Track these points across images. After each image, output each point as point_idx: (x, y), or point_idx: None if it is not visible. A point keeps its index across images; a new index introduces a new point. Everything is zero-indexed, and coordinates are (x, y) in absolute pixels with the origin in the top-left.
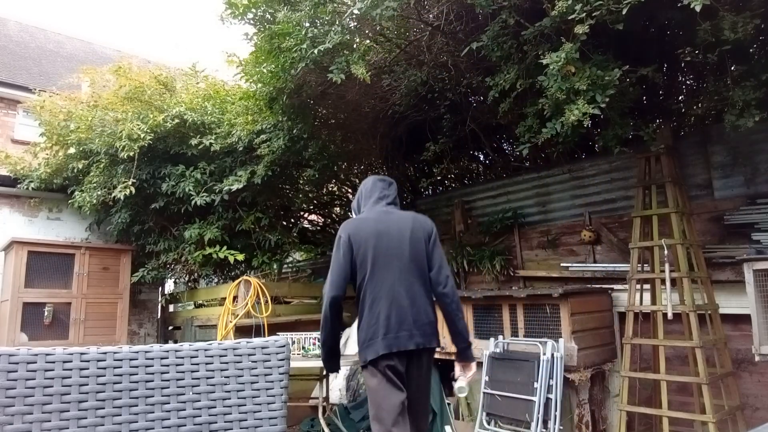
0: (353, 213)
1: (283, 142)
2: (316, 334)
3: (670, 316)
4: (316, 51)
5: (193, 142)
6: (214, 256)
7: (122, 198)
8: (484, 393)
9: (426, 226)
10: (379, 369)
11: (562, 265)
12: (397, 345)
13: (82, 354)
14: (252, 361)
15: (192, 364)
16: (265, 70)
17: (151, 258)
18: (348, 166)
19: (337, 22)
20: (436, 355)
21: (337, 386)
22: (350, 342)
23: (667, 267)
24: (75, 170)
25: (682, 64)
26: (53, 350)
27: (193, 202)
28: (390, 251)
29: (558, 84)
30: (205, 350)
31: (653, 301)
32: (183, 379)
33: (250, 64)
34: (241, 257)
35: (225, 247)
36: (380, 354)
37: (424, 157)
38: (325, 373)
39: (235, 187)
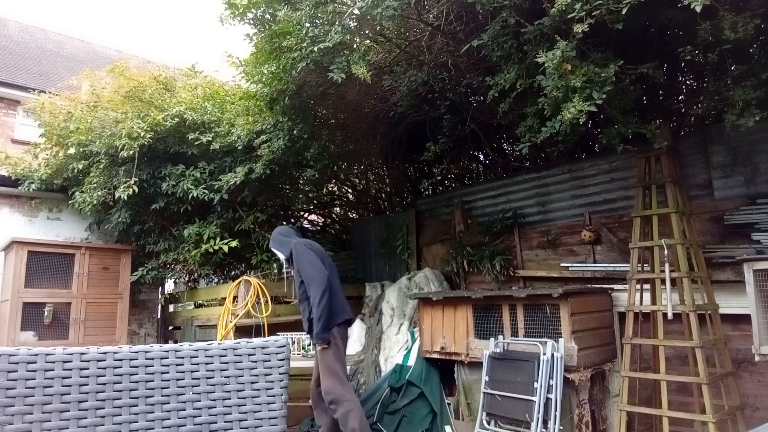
0: (281, 246)
1: (283, 142)
2: None
3: (670, 316)
4: (316, 49)
5: (191, 137)
6: (210, 250)
7: (124, 198)
8: (484, 393)
9: None
10: (343, 329)
11: (562, 265)
12: (348, 314)
13: (82, 354)
14: (252, 361)
15: (192, 364)
16: (265, 71)
17: (151, 258)
18: (348, 166)
19: (337, 22)
20: (436, 356)
21: None
22: (349, 342)
23: (667, 267)
24: (75, 171)
25: (682, 64)
26: (53, 350)
27: (190, 197)
28: (332, 264)
29: (554, 82)
30: (205, 350)
31: (653, 301)
32: (183, 379)
33: (250, 65)
34: (234, 243)
35: (218, 239)
36: (345, 319)
37: (424, 157)
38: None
39: (232, 182)
